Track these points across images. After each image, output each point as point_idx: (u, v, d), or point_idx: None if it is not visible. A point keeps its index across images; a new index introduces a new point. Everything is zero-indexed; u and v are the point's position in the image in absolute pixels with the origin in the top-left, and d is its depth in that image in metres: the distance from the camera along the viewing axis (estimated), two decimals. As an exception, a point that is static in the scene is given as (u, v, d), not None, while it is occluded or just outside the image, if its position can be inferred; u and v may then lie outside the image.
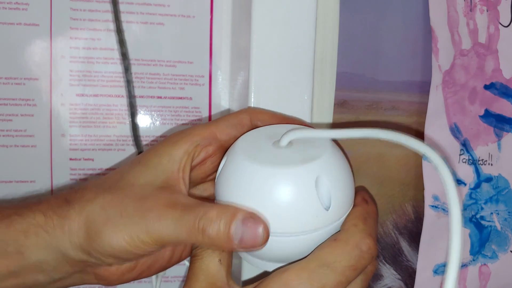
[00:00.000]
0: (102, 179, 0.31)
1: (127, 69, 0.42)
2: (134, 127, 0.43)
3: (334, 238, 0.28)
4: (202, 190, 0.35)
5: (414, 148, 0.28)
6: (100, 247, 0.28)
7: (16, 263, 0.28)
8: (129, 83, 0.42)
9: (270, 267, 0.30)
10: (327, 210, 0.28)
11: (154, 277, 0.42)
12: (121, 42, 0.42)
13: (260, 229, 0.27)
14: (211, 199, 0.33)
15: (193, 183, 0.33)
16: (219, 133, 0.32)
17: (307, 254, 0.28)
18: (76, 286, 0.32)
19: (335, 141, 0.32)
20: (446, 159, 0.43)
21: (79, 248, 0.28)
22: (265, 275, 0.28)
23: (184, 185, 0.30)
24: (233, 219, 0.27)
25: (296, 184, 0.28)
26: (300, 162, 0.28)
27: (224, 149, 0.32)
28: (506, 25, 0.43)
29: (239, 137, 0.32)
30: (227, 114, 0.33)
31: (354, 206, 0.30)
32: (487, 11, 0.43)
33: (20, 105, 0.42)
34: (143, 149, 0.44)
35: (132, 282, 0.44)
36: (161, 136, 0.44)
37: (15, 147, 0.42)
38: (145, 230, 0.27)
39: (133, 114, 0.43)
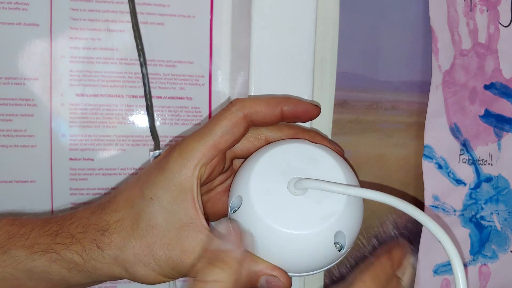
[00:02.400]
0: (118, 214, 0.32)
1: (142, 65, 0.42)
2: (153, 125, 0.43)
3: None
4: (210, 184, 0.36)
5: (422, 221, 0.29)
6: (140, 280, 0.32)
7: (59, 286, 0.33)
8: (144, 77, 0.42)
9: None
10: (340, 251, 0.30)
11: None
12: (139, 39, 0.42)
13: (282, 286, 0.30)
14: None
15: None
16: (218, 144, 0.31)
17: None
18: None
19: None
20: (446, 160, 0.43)
21: (119, 270, 0.32)
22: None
23: (201, 212, 0.31)
24: (258, 279, 0.30)
25: (316, 245, 0.29)
26: (319, 221, 0.29)
27: (225, 154, 0.32)
28: (506, 25, 0.43)
29: (241, 137, 0.32)
30: (218, 114, 0.32)
31: (376, 264, 0.30)
32: (487, 11, 0.43)
33: (20, 105, 0.42)
34: (161, 148, 0.43)
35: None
36: (160, 136, 0.44)
37: (15, 147, 0.42)
38: (171, 269, 0.31)
39: (149, 110, 0.43)
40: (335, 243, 0.29)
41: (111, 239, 0.31)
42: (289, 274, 0.30)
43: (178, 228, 0.30)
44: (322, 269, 0.31)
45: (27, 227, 0.32)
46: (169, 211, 0.31)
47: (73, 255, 0.31)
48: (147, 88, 0.42)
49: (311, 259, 0.30)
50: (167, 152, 0.33)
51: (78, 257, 0.31)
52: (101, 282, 0.33)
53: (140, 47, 0.42)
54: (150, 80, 0.44)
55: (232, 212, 0.31)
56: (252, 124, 0.32)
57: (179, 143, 0.32)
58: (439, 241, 0.27)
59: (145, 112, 0.44)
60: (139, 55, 0.42)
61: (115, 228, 0.32)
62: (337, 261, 0.31)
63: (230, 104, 0.32)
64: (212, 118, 0.32)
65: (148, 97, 0.42)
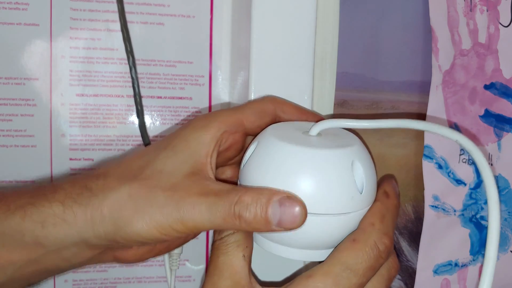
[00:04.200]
0: (124, 164, 0.30)
1: (131, 68, 0.42)
2: (142, 125, 0.43)
3: (352, 238, 0.28)
4: (220, 173, 0.35)
5: (445, 135, 0.29)
6: (128, 235, 0.28)
7: (34, 253, 0.28)
8: (134, 81, 0.42)
9: (286, 253, 0.30)
10: (361, 193, 0.29)
11: (169, 275, 0.42)
12: (127, 40, 0.42)
13: (298, 209, 0.27)
14: (231, 182, 0.33)
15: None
16: (245, 120, 0.32)
17: (331, 241, 0.29)
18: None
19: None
20: (446, 160, 0.43)
21: (103, 236, 0.28)
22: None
23: (212, 170, 0.30)
24: (270, 202, 0.27)
25: (335, 165, 0.29)
26: (336, 147, 0.29)
27: (248, 135, 0.33)
28: (506, 25, 0.43)
29: (265, 127, 0.32)
30: (251, 101, 0.34)
31: (375, 201, 0.31)
32: (487, 11, 0.43)
33: (20, 105, 0.42)
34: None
35: (149, 282, 0.45)
36: (160, 136, 0.44)
37: (15, 147, 0.42)
38: (179, 219, 0.27)
39: (139, 112, 0.43)
40: (355, 179, 0.29)
41: (105, 181, 0.29)
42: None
43: (186, 175, 0.29)
44: (342, 213, 0.29)
45: (6, 193, 0.30)
46: (180, 159, 0.29)
47: (52, 204, 0.28)
48: (136, 91, 0.42)
49: (331, 189, 0.28)
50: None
51: (58, 205, 0.28)
52: (79, 254, 0.29)
53: (129, 49, 0.42)
54: (150, 80, 0.44)
55: (246, 160, 0.31)
56: (278, 118, 0.33)
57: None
58: (474, 159, 0.28)
59: (145, 112, 0.44)
60: (128, 57, 0.42)
61: (114, 172, 0.29)
62: (359, 211, 0.29)
63: (263, 97, 0.34)
64: (245, 102, 0.33)
65: (138, 101, 0.42)
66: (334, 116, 0.43)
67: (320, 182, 0.28)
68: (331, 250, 0.29)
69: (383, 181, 0.32)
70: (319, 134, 0.31)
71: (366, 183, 0.29)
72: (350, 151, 0.29)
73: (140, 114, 0.43)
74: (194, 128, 0.30)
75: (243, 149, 0.33)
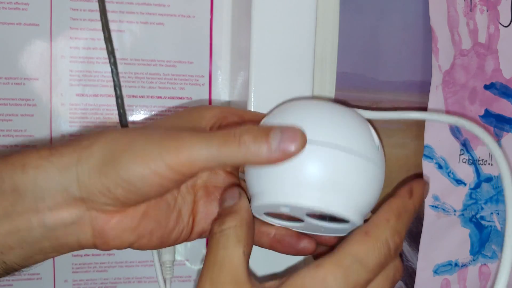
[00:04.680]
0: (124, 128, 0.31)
1: (112, 70, 0.42)
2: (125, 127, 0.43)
3: (365, 231, 0.28)
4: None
5: (447, 121, 0.30)
6: (115, 171, 0.26)
7: (10, 202, 0.27)
8: (115, 83, 0.42)
9: (302, 197, 0.28)
10: (377, 148, 0.29)
11: (163, 285, 0.42)
12: (109, 40, 0.41)
13: (298, 130, 0.27)
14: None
15: None
16: (246, 116, 0.33)
17: (348, 186, 0.28)
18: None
19: None
20: (446, 159, 0.43)
21: (86, 178, 0.26)
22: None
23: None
24: (272, 128, 0.27)
25: (354, 117, 0.30)
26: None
27: None
28: (506, 25, 0.43)
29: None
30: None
31: (395, 196, 0.30)
32: (487, 11, 0.43)
33: (20, 105, 0.42)
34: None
35: (149, 281, 0.44)
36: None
37: (15, 147, 0.42)
38: (173, 150, 0.26)
39: (121, 116, 0.42)
40: (371, 133, 0.30)
41: (100, 131, 0.28)
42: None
43: (183, 127, 0.29)
44: (356, 151, 0.28)
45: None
46: (181, 123, 0.30)
47: (39, 150, 0.27)
48: (118, 94, 0.42)
49: (349, 131, 0.28)
50: None
51: (45, 150, 0.26)
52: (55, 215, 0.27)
53: (110, 49, 0.41)
54: (150, 80, 0.44)
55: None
56: None
57: None
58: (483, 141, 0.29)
59: (145, 112, 0.44)
60: (109, 58, 0.41)
61: (105, 131, 0.28)
62: (371, 163, 0.28)
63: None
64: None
65: (120, 104, 0.42)
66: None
67: (343, 122, 0.29)
68: (345, 210, 0.28)
69: (414, 180, 0.31)
70: None
71: (379, 146, 0.30)
72: (363, 115, 0.31)
73: (123, 117, 0.42)
74: (198, 107, 0.33)
75: None
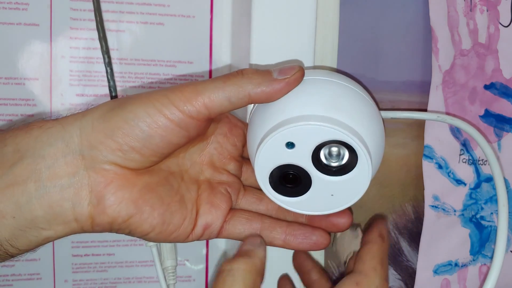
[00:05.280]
0: None
1: (107, 70, 0.42)
2: None
3: (355, 282, 0.29)
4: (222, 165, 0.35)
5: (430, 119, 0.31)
6: (120, 116, 0.26)
7: (9, 164, 0.26)
8: (110, 82, 0.42)
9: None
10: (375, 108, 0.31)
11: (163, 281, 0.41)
12: (103, 40, 0.41)
13: (297, 66, 0.29)
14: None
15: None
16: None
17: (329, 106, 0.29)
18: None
19: None
20: (446, 160, 0.43)
21: (89, 129, 0.27)
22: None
23: None
24: (271, 69, 0.29)
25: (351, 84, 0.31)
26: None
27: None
28: (506, 25, 0.43)
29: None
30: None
31: (371, 242, 0.32)
32: (487, 11, 0.43)
33: (20, 105, 0.42)
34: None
35: (149, 281, 0.44)
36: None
37: (15, 147, 0.42)
38: (178, 90, 0.27)
39: None
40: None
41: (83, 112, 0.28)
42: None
43: None
44: (356, 90, 0.31)
45: None
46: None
47: (45, 119, 0.27)
48: (113, 95, 0.42)
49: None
50: None
51: (53, 121, 0.27)
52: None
53: (104, 49, 0.41)
54: (150, 80, 0.44)
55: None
56: None
57: None
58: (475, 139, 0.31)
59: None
60: (104, 57, 0.41)
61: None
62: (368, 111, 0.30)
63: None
64: None
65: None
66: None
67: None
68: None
69: (376, 223, 0.33)
70: None
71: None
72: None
73: None
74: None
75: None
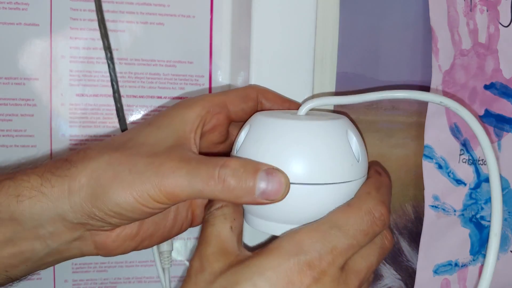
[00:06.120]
0: (106, 141, 0.30)
1: (109, 65, 0.42)
2: (123, 122, 0.43)
3: (347, 203, 0.28)
4: None
5: (432, 100, 0.30)
6: (105, 205, 0.27)
7: (10, 230, 0.27)
8: (112, 77, 0.42)
9: (280, 230, 0.30)
10: (358, 162, 0.29)
11: (162, 275, 0.42)
12: (105, 36, 0.41)
13: (283, 180, 0.27)
14: None
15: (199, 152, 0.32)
16: (229, 103, 0.32)
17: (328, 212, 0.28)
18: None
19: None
20: (446, 159, 0.43)
21: (79, 209, 0.27)
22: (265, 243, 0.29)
23: (195, 145, 0.30)
24: (257, 171, 0.27)
25: (331, 134, 0.29)
26: (328, 119, 0.30)
27: (231, 120, 0.33)
28: (506, 25, 0.43)
29: (249, 111, 0.33)
30: (234, 88, 0.34)
31: (367, 177, 0.31)
32: (487, 11, 0.43)
33: (20, 105, 0.42)
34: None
35: (149, 281, 0.44)
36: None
37: (15, 147, 0.42)
38: (156, 185, 0.26)
39: (119, 113, 0.42)
40: (351, 147, 0.29)
41: (85, 153, 0.28)
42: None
43: (168, 146, 0.28)
44: (341, 181, 0.29)
45: None
46: (164, 134, 0.29)
47: (30, 178, 0.27)
48: (115, 88, 0.42)
49: (330, 158, 0.28)
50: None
51: (36, 178, 0.27)
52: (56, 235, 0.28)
53: (106, 45, 0.41)
54: (150, 80, 0.44)
55: (239, 144, 0.31)
56: (260, 105, 0.34)
57: None
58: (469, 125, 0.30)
59: (145, 112, 0.44)
60: (106, 54, 0.41)
61: (95, 146, 0.29)
62: (357, 180, 0.29)
63: (247, 86, 0.35)
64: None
65: (117, 98, 0.42)
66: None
67: (320, 152, 0.28)
68: None
69: (371, 164, 0.32)
70: (307, 114, 0.31)
71: (361, 152, 0.30)
72: (343, 122, 0.30)
73: (120, 111, 0.42)
74: (179, 106, 0.31)
75: (227, 136, 0.33)
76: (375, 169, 0.32)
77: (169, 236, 0.33)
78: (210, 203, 0.30)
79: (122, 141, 0.29)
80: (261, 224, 0.30)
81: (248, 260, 0.26)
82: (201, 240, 0.29)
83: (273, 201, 0.27)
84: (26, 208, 0.27)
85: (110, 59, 0.42)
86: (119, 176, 0.27)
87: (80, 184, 0.27)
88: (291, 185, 0.28)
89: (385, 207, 0.28)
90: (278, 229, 0.30)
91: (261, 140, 0.29)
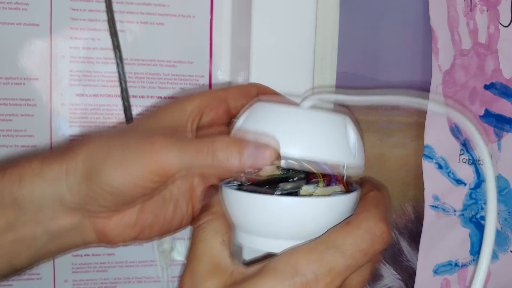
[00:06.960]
0: (107, 132, 0.31)
1: (118, 64, 0.42)
2: (130, 121, 0.43)
3: (346, 222, 0.27)
4: None
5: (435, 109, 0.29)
6: (98, 185, 0.27)
7: (12, 215, 0.28)
8: (121, 76, 0.42)
9: (277, 247, 0.29)
10: (354, 157, 0.29)
11: (162, 273, 0.42)
12: (115, 35, 0.41)
13: (272, 142, 0.27)
14: None
15: None
16: (229, 98, 0.32)
17: (323, 222, 0.28)
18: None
19: None
20: (446, 160, 0.43)
21: (76, 191, 0.28)
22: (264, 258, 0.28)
23: (191, 134, 0.30)
24: (247, 145, 0.27)
25: (331, 125, 0.29)
26: (329, 113, 0.29)
27: (231, 115, 0.33)
28: (506, 25, 0.43)
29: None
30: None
31: (363, 194, 0.30)
32: (487, 11, 0.43)
33: (20, 105, 0.42)
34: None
35: (149, 281, 0.44)
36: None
37: (15, 147, 0.42)
38: (147, 160, 0.27)
39: (126, 108, 0.42)
40: (349, 141, 0.29)
41: (85, 140, 0.29)
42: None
43: (163, 131, 0.29)
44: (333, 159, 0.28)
45: None
46: (161, 123, 0.30)
47: (31, 163, 0.28)
48: (123, 87, 0.42)
49: (327, 146, 0.28)
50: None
51: (37, 163, 0.28)
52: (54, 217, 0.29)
53: (116, 44, 0.42)
54: (150, 80, 0.44)
55: (238, 124, 0.31)
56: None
57: None
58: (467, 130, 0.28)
59: (145, 112, 0.44)
60: (115, 52, 0.42)
61: (95, 135, 0.29)
62: (351, 163, 0.29)
63: (247, 83, 0.35)
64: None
65: (125, 97, 0.42)
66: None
67: (316, 137, 0.28)
68: None
69: (365, 180, 0.32)
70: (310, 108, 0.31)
71: (358, 149, 0.30)
72: (343, 117, 0.30)
73: (127, 110, 0.42)
74: (179, 99, 0.32)
75: (227, 133, 0.33)
76: (371, 184, 0.31)
77: (170, 229, 0.32)
78: (198, 216, 0.30)
79: (122, 129, 0.30)
80: (255, 241, 0.30)
81: (243, 282, 0.26)
82: (191, 256, 0.28)
83: (262, 164, 0.27)
84: (28, 192, 0.28)
85: (119, 58, 0.42)
86: (111, 155, 0.27)
87: (75, 165, 0.28)
88: (284, 199, 0.28)
89: (386, 225, 0.27)
90: (269, 246, 0.29)
91: (259, 125, 0.29)
